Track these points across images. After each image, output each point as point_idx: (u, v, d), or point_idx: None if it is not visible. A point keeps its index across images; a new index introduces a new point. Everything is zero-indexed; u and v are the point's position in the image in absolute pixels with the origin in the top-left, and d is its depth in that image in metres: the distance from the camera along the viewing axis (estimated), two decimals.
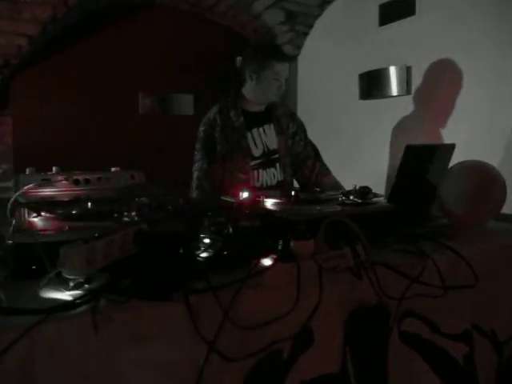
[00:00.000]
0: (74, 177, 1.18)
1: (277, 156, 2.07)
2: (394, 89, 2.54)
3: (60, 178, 1.16)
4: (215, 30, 3.73)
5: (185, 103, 3.76)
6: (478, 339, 1.12)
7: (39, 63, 3.12)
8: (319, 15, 3.21)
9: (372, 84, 2.70)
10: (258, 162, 2.04)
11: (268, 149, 2.06)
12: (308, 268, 0.89)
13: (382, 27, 2.61)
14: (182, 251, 0.82)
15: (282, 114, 2.11)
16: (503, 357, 1.16)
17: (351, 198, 1.40)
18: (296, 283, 0.85)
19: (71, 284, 0.79)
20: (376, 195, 1.47)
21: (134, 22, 3.42)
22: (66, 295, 0.77)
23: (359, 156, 2.89)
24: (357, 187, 1.47)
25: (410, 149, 1.44)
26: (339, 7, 3.02)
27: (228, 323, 0.78)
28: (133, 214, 1.10)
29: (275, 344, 0.82)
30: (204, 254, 0.91)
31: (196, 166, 2.02)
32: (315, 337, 0.87)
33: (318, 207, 1.27)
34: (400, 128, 2.48)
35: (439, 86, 2.28)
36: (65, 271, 0.78)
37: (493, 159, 1.63)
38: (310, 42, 3.39)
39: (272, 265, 0.87)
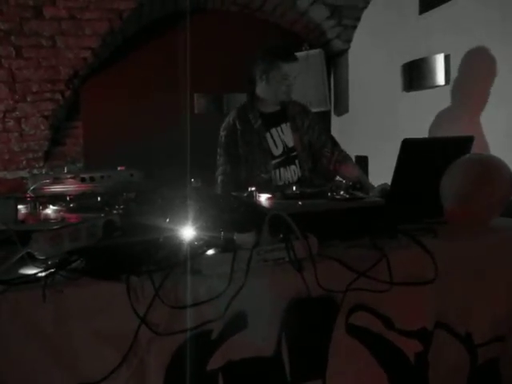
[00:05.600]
0: (81, 175, 1.37)
1: (295, 153, 2.13)
2: (435, 79, 2.42)
3: (69, 176, 1.35)
4: (266, 29, 3.82)
5: (239, 102, 3.91)
6: (446, 339, 1.09)
7: (104, 72, 3.48)
8: (365, 7, 3.14)
9: (414, 75, 2.60)
10: (278, 160, 2.11)
11: (287, 147, 2.12)
12: (246, 258, 0.96)
13: (422, 15, 2.50)
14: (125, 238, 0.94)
15: (296, 111, 2.15)
16: (478, 360, 1.12)
17: (341, 193, 1.42)
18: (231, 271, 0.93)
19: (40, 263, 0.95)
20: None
21: (188, 28, 3.65)
22: (31, 271, 0.93)
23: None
24: (349, 183, 1.49)
25: (407, 143, 1.40)
26: None
27: (160, 302, 0.89)
28: (121, 206, 1.26)
29: (205, 324, 0.90)
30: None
31: (220, 170, 2.13)
32: (249, 321, 0.94)
33: (300, 202, 1.32)
34: (436, 122, 2.37)
35: (475, 74, 2.14)
36: (34, 252, 0.95)
37: None
38: (358, 35, 3.34)
39: (210, 253, 0.96)
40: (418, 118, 2.63)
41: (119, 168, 1.49)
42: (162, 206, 1.19)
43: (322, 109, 3.66)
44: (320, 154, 2.15)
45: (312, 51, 3.55)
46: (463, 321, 1.12)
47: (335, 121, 3.92)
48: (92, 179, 1.37)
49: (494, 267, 1.18)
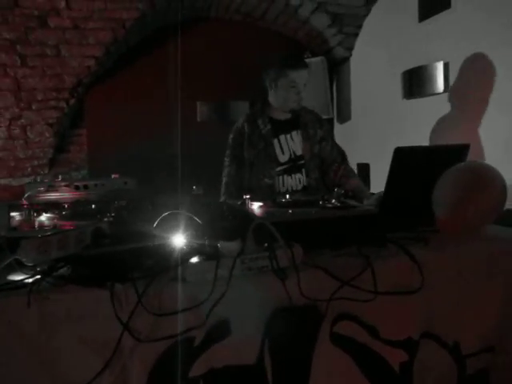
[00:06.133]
0: (75, 183, 1.39)
1: (303, 162, 2.14)
2: (435, 87, 2.42)
3: (63, 184, 1.37)
4: (269, 37, 3.85)
5: (241, 110, 3.94)
6: (433, 349, 1.08)
7: (108, 81, 3.53)
8: (366, 15, 3.16)
9: (414, 82, 2.60)
10: (283, 167, 2.12)
11: (295, 155, 2.13)
12: (232, 266, 0.96)
13: (422, 23, 2.51)
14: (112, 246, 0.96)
15: (309, 120, 2.17)
16: (466, 371, 1.11)
17: (333, 201, 1.43)
18: (214, 279, 0.94)
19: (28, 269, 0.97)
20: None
21: (190, 36, 3.69)
22: (18, 277, 0.95)
23: None
24: (341, 191, 1.50)
25: (399, 152, 1.40)
26: (382, 5, 2.95)
27: (143, 310, 0.90)
28: (112, 214, 1.28)
29: (188, 331, 0.91)
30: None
31: (225, 171, 2.16)
32: (232, 329, 0.95)
33: (291, 211, 1.33)
34: (436, 131, 2.36)
35: (473, 82, 2.14)
36: (21, 258, 0.97)
37: None
38: (360, 43, 3.35)
39: (194, 261, 0.97)
40: (419, 125, 2.63)
41: (113, 176, 1.51)
42: (152, 214, 1.20)
43: (325, 116, 3.66)
44: (329, 167, 2.16)
45: (314, 59, 3.57)
46: (451, 331, 1.11)
47: (338, 128, 3.92)
48: (86, 187, 1.39)
49: (484, 277, 1.18)
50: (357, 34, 3.33)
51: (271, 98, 2.12)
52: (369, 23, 3.18)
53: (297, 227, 1.11)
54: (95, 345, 0.90)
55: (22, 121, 3.27)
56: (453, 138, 2.12)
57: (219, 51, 3.80)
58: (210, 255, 1.00)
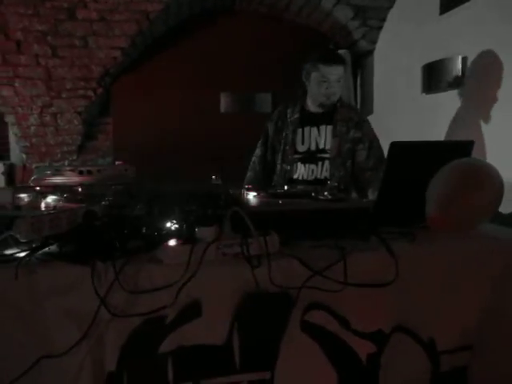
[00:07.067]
0: (79, 168, 1.48)
1: (324, 155, 2.16)
2: (452, 81, 2.36)
3: (68, 169, 1.47)
4: (293, 29, 3.85)
5: (263, 102, 3.97)
6: (406, 343, 1.09)
7: (133, 71, 3.65)
8: (390, 7, 3.10)
9: (432, 76, 2.54)
10: (299, 156, 2.19)
11: (316, 147, 2.16)
12: (204, 251, 1.01)
13: (442, 16, 2.44)
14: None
15: (343, 118, 2.16)
16: (440, 367, 1.11)
17: (325, 193, 1.45)
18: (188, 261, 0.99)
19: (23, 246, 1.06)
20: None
21: (215, 28, 3.75)
22: (11, 251, 1.04)
23: None
24: (334, 184, 1.51)
25: (395, 147, 1.40)
26: None
27: (120, 287, 0.96)
28: (110, 198, 1.35)
29: (160, 310, 0.97)
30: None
31: (256, 151, 2.33)
32: (204, 310, 1.00)
33: (281, 201, 1.36)
34: (451, 126, 2.31)
35: (485, 78, 2.07)
36: (16, 235, 1.05)
37: None
38: (383, 36, 3.30)
39: (172, 244, 1.02)
40: (437, 120, 2.57)
41: (117, 163, 1.59)
42: (143, 199, 1.26)
43: None
44: (361, 174, 2.13)
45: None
46: (427, 327, 1.12)
47: None
48: (89, 172, 1.47)
49: (468, 275, 1.17)
50: (380, 27, 3.27)
51: (308, 91, 2.18)
52: (392, 16, 3.12)
53: (276, 217, 1.15)
54: (75, 316, 0.97)
55: (53, 108, 3.44)
56: (466, 134, 2.06)
57: (244, 43, 3.83)
58: (187, 239, 1.05)
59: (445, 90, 2.46)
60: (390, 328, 1.08)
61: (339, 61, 2.10)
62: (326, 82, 2.07)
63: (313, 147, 2.17)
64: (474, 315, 1.16)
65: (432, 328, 1.12)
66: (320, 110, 2.17)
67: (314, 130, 2.17)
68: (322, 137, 2.16)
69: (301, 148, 2.19)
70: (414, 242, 1.21)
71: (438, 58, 2.48)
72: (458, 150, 1.53)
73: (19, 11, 2.97)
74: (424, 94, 2.70)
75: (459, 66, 2.28)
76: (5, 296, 0.96)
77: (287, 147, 2.19)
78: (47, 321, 0.98)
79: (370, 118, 3.71)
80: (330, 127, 2.15)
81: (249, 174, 2.31)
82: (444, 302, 1.14)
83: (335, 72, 2.07)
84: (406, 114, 2.98)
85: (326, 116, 2.16)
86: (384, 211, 1.40)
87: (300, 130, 2.19)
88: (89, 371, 0.96)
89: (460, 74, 2.28)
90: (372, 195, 2.02)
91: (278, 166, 2.23)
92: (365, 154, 2.12)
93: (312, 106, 2.20)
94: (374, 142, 2.15)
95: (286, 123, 2.22)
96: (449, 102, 2.44)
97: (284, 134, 2.21)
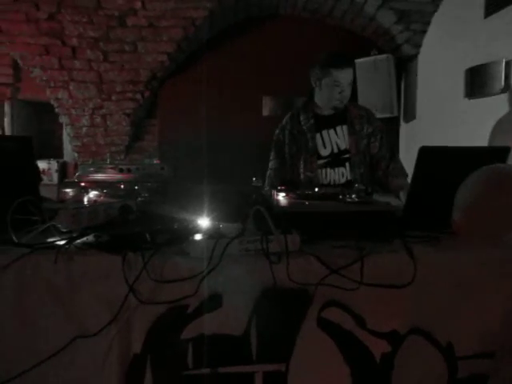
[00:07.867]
0: (119, 166, 1.58)
1: (347, 156, 2.17)
2: (495, 86, 2.29)
3: (109, 166, 1.58)
4: (337, 34, 3.85)
5: None
6: (422, 345, 1.10)
7: (179, 75, 3.80)
8: (435, 11, 3.04)
9: (475, 81, 2.47)
10: (325, 161, 2.19)
11: (338, 149, 2.18)
12: (227, 245, 1.07)
13: (487, 19, 2.37)
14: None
15: (356, 115, 2.21)
16: (457, 373, 1.10)
17: (352, 196, 1.47)
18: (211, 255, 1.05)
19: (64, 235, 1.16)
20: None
21: (259, 33, 3.83)
22: (53, 240, 1.14)
23: None
24: (361, 187, 1.53)
25: (424, 152, 1.40)
26: (451, 0, 2.82)
27: (147, 276, 1.04)
28: (146, 194, 1.45)
29: (183, 299, 1.04)
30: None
31: (269, 165, 2.30)
32: (224, 302, 1.06)
33: (307, 203, 1.40)
34: (497, 129, 2.24)
35: None
36: (57, 225, 1.16)
37: None
38: (428, 40, 3.23)
39: (199, 238, 1.09)
40: (481, 126, 2.50)
41: (155, 161, 1.69)
42: (177, 197, 1.35)
43: (388, 115, 3.60)
44: (377, 165, 2.20)
45: (380, 56, 3.51)
46: (446, 331, 1.11)
47: (403, 127, 3.82)
48: (128, 170, 1.58)
49: (492, 282, 1.15)
50: (424, 31, 3.21)
51: (316, 96, 2.19)
52: (437, 20, 3.06)
53: (300, 217, 1.19)
54: (106, 301, 1.06)
55: (103, 110, 3.65)
56: (505, 141, 2.00)
57: (287, 48, 3.89)
58: (213, 234, 1.11)
59: (488, 94, 2.38)
60: (406, 329, 1.09)
61: (349, 63, 2.12)
62: (338, 87, 2.07)
63: (335, 150, 2.18)
64: (496, 323, 1.14)
65: (451, 332, 1.12)
66: (332, 112, 2.18)
67: (332, 132, 2.18)
68: (340, 138, 2.17)
69: (324, 152, 2.19)
70: (437, 246, 1.21)
71: (481, 62, 2.41)
72: (492, 156, 1.50)
73: (75, 19, 3.19)
74: (467, 99, 2.63)
75: (503, 70, 2.21)
76: (46, 279, 1.07)
77: (308, 155, 2.18)
78: (82, 303, 1.07)
79: (413, 123, 3.65)
80: (345, 126, 2.17)
81: (266, 189, 2.16)
82: (465, 307, 1.13)
83: (347, 76, 2.08)
84: (448, 119, 2.90)
85: (340, 116, 2.18)
86: (412, 215, 1.41)
87: (318, 135, 2.18)
88: (116, 352, 1.04)
89: (504, 78, 2.21)
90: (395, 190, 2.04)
91: (302, 175, 2.20)
92: (378, 145, 2.17)
93: (324, 110, 2.19)
94: (384, 134, 2.19)
95: (301, 131, 2.20)
96: (493, 107, 2.37)
97: (300, 143, 2.19)
